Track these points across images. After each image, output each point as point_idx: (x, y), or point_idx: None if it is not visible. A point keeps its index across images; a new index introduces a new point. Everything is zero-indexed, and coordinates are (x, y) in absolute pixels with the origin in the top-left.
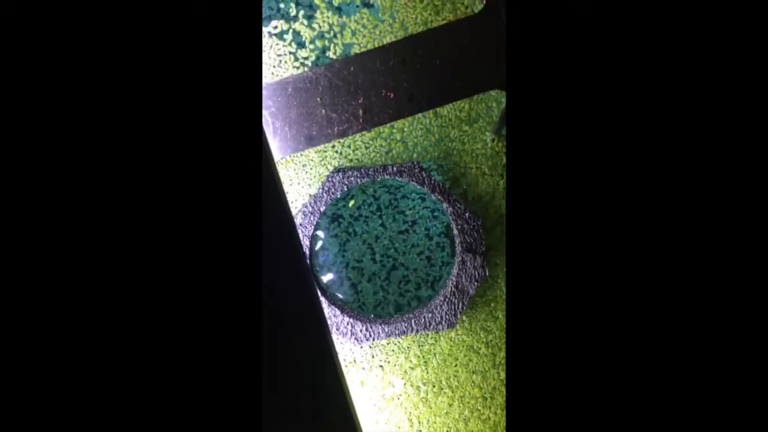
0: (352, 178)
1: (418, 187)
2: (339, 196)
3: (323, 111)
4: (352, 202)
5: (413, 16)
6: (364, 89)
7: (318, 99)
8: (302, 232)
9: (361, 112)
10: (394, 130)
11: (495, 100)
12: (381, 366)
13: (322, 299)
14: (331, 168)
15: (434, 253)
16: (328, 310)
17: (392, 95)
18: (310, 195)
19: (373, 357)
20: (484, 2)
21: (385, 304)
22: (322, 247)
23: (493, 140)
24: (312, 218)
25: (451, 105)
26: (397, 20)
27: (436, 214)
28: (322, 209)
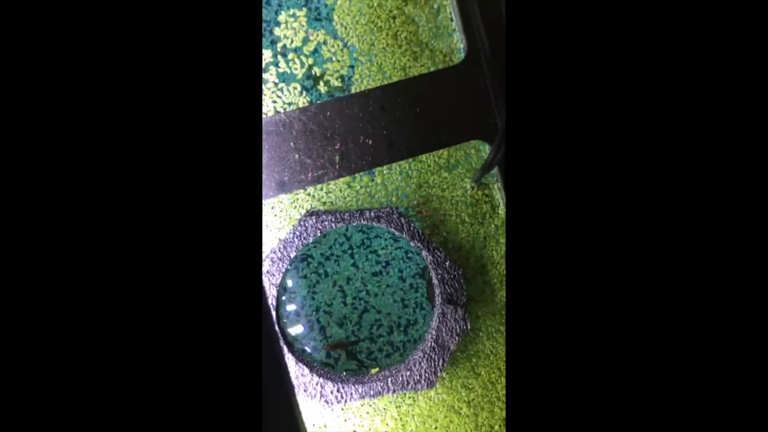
0: (326, 222)
1: (396, 232)
2: (311, 241)
3: (296, 156)
4: (375, 369)
5: (391, 61)
6: (341, 135)
7: (291, 143)
8: (269, 280)
9: (337, 158)
10: (374, 175)
11: (473, 148)
12: (354, 431)
13: (289, 356)
14: (302, 212)
15: (408, 295)
16: (295, 368)
17: (371, 142)
18: (279, 239)
19: (345, 421)
20: (465, 53)
21: (356, 352)
22: (291, 297)
23: (472, 188)
24: (281, 265)
25: None
26: (375, 64)
27: (410, 255)
28: (292, 255)
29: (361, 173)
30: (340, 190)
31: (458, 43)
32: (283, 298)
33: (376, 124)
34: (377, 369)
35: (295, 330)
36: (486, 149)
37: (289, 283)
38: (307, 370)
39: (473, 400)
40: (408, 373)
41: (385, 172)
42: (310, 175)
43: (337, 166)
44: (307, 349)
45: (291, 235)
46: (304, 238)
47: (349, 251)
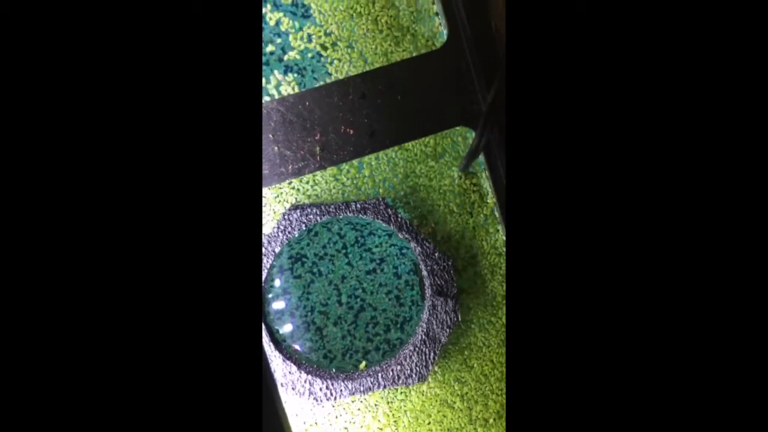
0: (311, 216)
1: (384, 224)
2: (297, 236)
3: (275, 148)
4: (363, 364)
5: (372, 47)
6: (321, 125)
7: (270, 135)
8: None
9: (318, 149)
10: (362, 164)
11: (460, 135)
12: (346, 428)
13: (277, 353)
14: (287, 205)
15: (403, 292)
16: (283, 366)
17: (352, 131)
18: (264, 234)
19: (336, 418)
20: (446, 37)
21: (352, 351)
22: (279, 294)
23: (460, 177)
24: (266, 261)
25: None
26: (355, 50)
27: (404, 251)
28: (276, 250)
29: (348, 165)
30: (326, 183)
31: (440, 26)
32: (270, 295)
33: (356, 113)
34: (365, 364)
35: (286, 328)
36: (473, 136)
37: (278, 282)
38: (294, 368)
39: (466, 393)
40: (399, 367)
41: (372, 163)
42: (290, 167)
43: (318, 158)
44: (296, 347)
45: (275, 230)
46: (289, 233)
47: (343, 250)
